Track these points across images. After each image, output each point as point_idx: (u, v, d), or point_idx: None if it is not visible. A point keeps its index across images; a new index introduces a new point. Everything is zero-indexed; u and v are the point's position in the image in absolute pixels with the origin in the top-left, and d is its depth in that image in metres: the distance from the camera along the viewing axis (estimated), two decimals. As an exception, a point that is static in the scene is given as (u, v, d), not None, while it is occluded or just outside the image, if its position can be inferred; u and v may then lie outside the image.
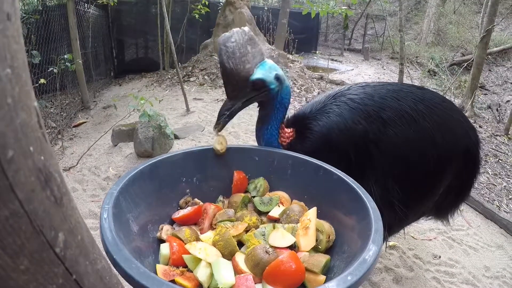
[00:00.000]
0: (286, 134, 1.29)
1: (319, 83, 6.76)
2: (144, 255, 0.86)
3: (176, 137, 3.55)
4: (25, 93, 0.39)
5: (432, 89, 2.14)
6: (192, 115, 4.38)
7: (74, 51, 4.72)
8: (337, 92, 1.40)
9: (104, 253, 0.64)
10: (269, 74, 1.14)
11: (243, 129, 3.92)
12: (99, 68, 6.53)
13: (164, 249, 0.88)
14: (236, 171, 1.16)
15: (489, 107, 7.98)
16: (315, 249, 0.90)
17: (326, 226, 0.93)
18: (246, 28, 1.14)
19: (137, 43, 7.94)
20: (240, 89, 1.12)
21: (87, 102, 5.20)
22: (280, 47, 7.72)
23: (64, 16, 4.83)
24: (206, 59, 6.56)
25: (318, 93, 5.86)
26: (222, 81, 1.22)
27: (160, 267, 0.83)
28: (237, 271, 0.82)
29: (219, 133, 1.16)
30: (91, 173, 2.94)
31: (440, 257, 2.19)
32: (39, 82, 3.56)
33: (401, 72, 5.50)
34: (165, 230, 0.96)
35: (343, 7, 6.24)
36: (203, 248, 0.86)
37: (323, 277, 0.81)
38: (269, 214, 1.04)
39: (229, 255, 0.87)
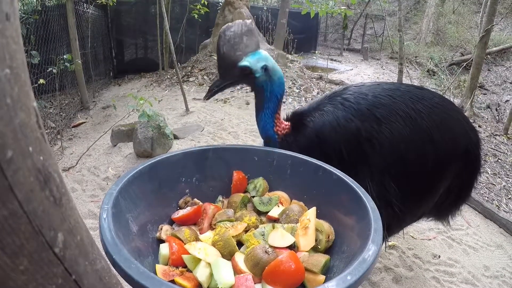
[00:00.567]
0: (283, 125, 1.37)
1: (318, 83, 6.75)
2: (144, 255, 0.86)
3: (176, 137, 3.54)
4: (24, 93, 0.39)
5: (432, 89, 2.15)
6: (191, 115, 4.38)
7: (73, 51, 4.72)
8: (333, 92, 1.46)
9: (103, 253, 0.63)
10: (257, 64, 1.23)
11: (243, 129, 3.92)
12: (98, 68, 6.52)
13: (164, 249, 0.88)
14: (236, 171, 1.16)
15: (488, 106, 7.99)
16: (315, 249, 0.90)
17: (325, 226, 0.93)
18: (249, 21, 1.23)
19: (136, 43, 7.94)
20: (229, 71, 1.25)
21: (86, 102, 5.20)
22: (279, 47, 7.71)
23: (63, 16, 4.83)
24: (205, 59, 6.56)
25: (318, 93, 5.86)
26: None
27: (159, 267, 0.83)
28: (236, 271, 0.82)
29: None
30: (90, 173, 2.93)
31: (439, 256, 2.19)
32: (38, 82, 3.55)
33: (400, 72, 5.50)
34: (165, 230, 0.96)
35: (342, 7, 6.23)
36: (202, 248, 0.85)
37: (322, 277, 0.81)
38: (269, 214, 1.04)
39: (228, 255, 0.87)
